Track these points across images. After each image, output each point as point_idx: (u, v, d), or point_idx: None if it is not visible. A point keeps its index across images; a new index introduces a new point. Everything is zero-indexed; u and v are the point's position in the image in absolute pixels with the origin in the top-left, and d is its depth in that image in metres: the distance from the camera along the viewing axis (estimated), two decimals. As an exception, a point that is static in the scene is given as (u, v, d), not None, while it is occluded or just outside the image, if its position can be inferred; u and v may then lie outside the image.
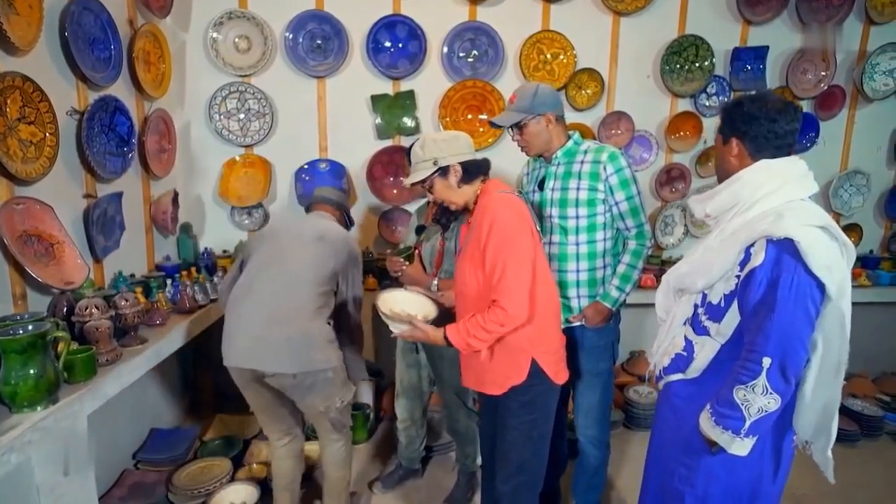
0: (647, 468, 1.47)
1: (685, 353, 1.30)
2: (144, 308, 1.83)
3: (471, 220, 1.52)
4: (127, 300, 1.72)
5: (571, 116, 2.79)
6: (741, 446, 1.15)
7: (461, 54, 2.78)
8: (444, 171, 1.48)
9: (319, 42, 2.71)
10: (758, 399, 1.11)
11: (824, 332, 1.14)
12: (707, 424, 1.19)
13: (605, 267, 1.77)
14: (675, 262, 2.92)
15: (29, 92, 1.61)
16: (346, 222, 2.00)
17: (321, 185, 2.79)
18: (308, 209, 2.01)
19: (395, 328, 1.48)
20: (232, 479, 2.12)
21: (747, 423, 1.12)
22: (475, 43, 2.77)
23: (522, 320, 1.37)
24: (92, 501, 1.42)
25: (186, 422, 2.70)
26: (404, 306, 1.56)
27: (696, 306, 1.30)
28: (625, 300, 1.76)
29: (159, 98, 2.41)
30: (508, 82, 2.81)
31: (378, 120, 2.80)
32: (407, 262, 1.87)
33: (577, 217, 1.71)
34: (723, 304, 1.21)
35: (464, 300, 1.49)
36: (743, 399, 1.12)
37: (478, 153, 1.55)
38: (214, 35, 2.64)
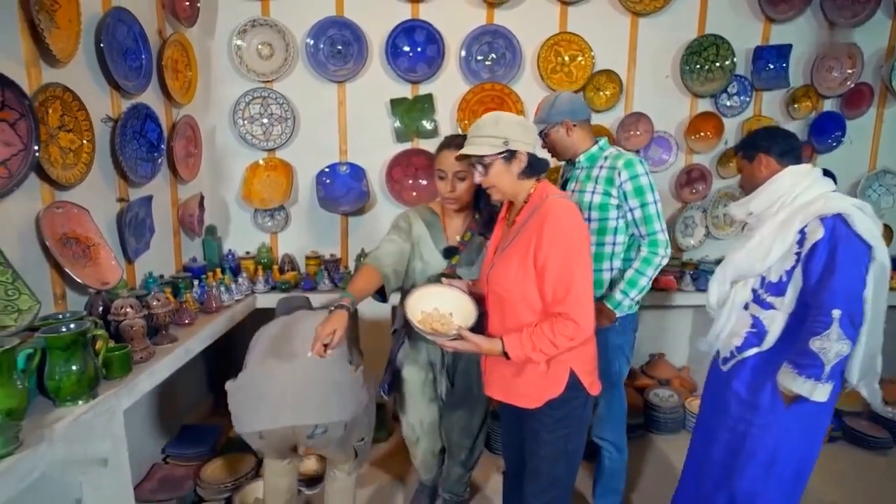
0: (697, 445, 1.70)
1: (756, 330, 1.52)
2: (174, 308, 1.90)
3: (516, 219, 1.41)
4: (158, 300, 1.79)
5: (589, 118, 2.79)
6: (822, 392, 1.33)
7: (479, 57, 2.80)
8: (510, 156, 1.33)
9: (340, 47, 2.76)
10: (833, 345, 1.31)
11: (872, 287, 1.36)
12: (787, 378, 1.38)
13: (611, 270, 1.79)
14: (695, 264, 2.96)
15: (68, 101, 1.69)
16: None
17: (342, 187, 2.86)
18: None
19: (438, 339, 1.34)
20: (257, 475, 2.18)
21: (827, 368, 1.32)
22: (493, 46, 2.79)
23: (589, 334, 1.30)
24: (128, 492, 1.49)
25: (212, 418, 2.78)
26: (435, 306, 1.41)
27: (754, 291, 1.54)
28: (630, 305, 1.77)
29: (186, 104, 2.49)
30: (526, 85, 2.83)
31: (397, 123, 2.84)
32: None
33: (589, 220, 1.75)
34: (784, 279, 1.45)
35: (499, 302, 1.39)
36: (820, 348, 1.31)
37: None
38: (238, 42, 2.71)
